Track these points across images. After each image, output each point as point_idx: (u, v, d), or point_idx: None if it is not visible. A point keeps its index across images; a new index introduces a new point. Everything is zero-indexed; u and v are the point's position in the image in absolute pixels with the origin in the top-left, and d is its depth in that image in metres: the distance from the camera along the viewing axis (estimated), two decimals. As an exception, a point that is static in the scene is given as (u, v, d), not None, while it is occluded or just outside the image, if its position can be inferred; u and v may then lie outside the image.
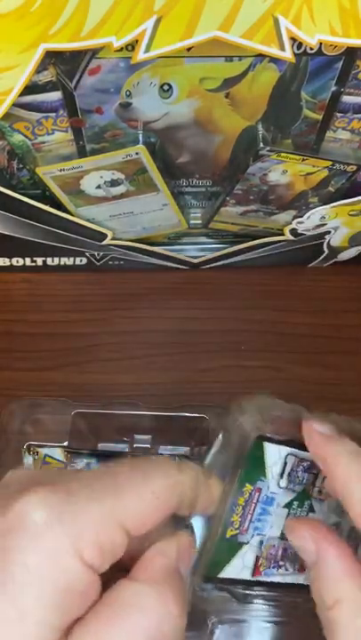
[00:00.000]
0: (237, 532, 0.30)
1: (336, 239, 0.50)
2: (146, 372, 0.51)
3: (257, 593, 0.31)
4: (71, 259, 0.52)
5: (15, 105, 0.36)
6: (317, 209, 0.45)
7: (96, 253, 0.51)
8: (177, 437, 0.45)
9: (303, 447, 0.29)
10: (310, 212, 0.45)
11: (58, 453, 0.43)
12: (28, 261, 0.52)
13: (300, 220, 0.46)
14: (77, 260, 0.52)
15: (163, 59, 0.34)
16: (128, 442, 0.45)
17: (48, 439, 0.44)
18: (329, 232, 0.48)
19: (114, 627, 0.23)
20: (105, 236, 0.48)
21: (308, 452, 0.29)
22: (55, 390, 0.50)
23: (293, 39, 0.31)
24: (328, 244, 0.50)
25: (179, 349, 0.52)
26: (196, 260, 0.53)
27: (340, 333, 0.53)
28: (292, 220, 0.47)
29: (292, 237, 0.49)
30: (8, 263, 0.52)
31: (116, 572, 0.25)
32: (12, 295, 0.54)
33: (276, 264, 0.53)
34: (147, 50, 0.31)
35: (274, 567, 0.30)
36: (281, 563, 0.31)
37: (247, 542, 0.30)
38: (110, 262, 0.52)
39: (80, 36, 0.31)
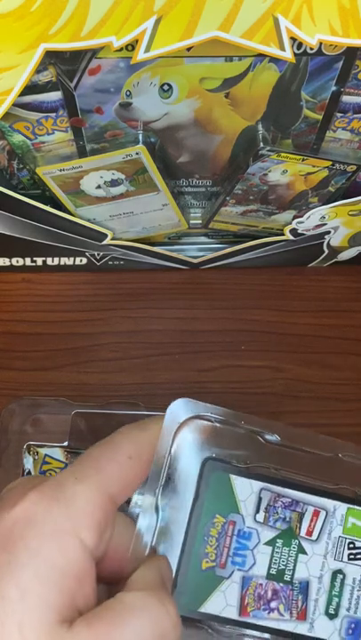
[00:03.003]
0: (214, 564, 0.30)
1: (336, 239, 0.50)
2: (146, 372, 0.51)
3: (246, 633, 0.31)
4: (71, 259, 0.52)
5: (15, 105, 0.36)
6: (317, 209, 0.45)
7: (96, 253, 0.51)
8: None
9: (278, 482, 0.30)
10: (310, 212, 0.45)
11: (58, 453, 0.43)
12: (28, 261, 0.52)
13: (300, 220, 0.46)
14: (77, 260, 0.52)
15: (163, 59, 0.34)
16: (128, 442, 0.45)
17: (48, 439, 0.44)
18: (329, 232, 0.48)
19: (120, 627, 0.24)
20: (105, 235, 0.48)
21: (283, 487, 0.29)
22: (55, 390, 0.50)
23: (293, 39, 0.31)
24: (328, 244, 0.50)
25: (179, 349, 0.52)
26: (196, 260, 0.53)
27: (340, 333, 0.53)
28: (292, 220, 0.47)
29: (291, 237, 0.49)
30: (8, 263, 0.52)
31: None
32: (12, 295, 0.54)
33: (276, 264, 0.53)
34: (147, 50, 0.31)
35: (265, 610, 0.30)
36: (273, 605, 0.30)
37: (227, 577, 0.30)
38: (110, 262, 0.52)
39: (80, 36, 0.31)
